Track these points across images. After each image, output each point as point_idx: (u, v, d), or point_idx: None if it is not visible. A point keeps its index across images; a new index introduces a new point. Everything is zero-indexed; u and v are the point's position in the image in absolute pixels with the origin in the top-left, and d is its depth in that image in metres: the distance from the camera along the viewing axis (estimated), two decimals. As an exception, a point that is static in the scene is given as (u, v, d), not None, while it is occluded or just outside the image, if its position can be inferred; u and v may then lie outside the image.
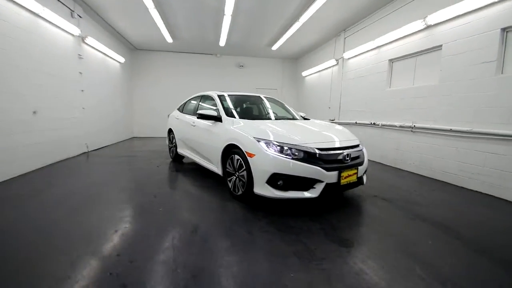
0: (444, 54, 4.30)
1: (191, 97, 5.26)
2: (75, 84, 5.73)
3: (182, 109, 5.35)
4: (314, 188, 2.71)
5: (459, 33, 4.02)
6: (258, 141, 2.83)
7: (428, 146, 4.60)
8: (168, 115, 6.01)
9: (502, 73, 3.53)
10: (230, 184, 3.28)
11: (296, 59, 11.00)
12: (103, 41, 6.94)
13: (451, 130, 4.14)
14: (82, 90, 6.01)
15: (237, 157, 3.09)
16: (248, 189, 2.93)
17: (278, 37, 7.89)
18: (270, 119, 3.95)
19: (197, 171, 4.64)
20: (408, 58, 5.18)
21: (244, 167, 2.95)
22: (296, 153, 2.70)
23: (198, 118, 3.91)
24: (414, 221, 2.72)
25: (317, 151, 2.73)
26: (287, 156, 2.68)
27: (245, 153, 2.91)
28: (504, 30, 3.46)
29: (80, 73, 5.91)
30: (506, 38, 3.48)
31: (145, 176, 4.24)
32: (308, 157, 2.71)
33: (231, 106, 3.94)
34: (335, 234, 2.38)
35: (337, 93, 7.69)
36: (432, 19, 4.39)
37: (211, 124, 3.81)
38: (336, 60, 7.70)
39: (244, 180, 2.98)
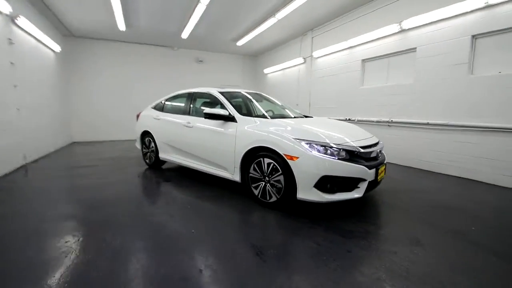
0: (418, 56, 4.83)
1: (174, 94, 4.60)
2: (5, 77, 4.33)
3: (162, 108, 4.63)
4: (359, 187, 2.65)
5: (433, 37, 4.56)
6: (300, 142, 2.61)
7: (405, 139, 5.12)
8: (138, 115, 5.15)
9: (472, 74, 4.15)
10: (256, 191, 2.96)
11: (256, 56, 10.91)
12: (36, 24, 5.45)
13: (428, 124, 4.69)
14: (15, 86, 4.59)
15: (268, 160, 2.80)
16: (286, 195, 2.68)
17: (247, 32, 7.62)
18: (281, 117, 3.71)
19: (190, 179, 4.09)
20: (381, 59, 5.65)
21: (281, 171, 2.68)
22: (341, 153, 2.59)
23: (205, 117, 3.41)
24: (432, 206, 2.95)
25: (360, 149, 2.67)
26: (332, 157, 2.54)
27: (283, 156, 2.64)
28: (474, 37, 4.06)
29: (12, 63, 4.49)
30: (475, 44, 4.09)
31: (131, 193, 3.48)
32: (350, 156, 2.63)
33: (241, 104, 3.58)
34: (395, 232, 2.37)
35: (306, 91, 7.92)
36: (407, 23, 4.86)
37: (219, 125, 3.38)
38: (304, 59, 7.90)
39: (281, 186, 2.71)
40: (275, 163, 2.73)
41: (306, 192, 2.55)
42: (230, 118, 3.29)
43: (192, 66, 9.92)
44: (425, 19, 4.57)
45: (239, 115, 3.29)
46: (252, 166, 2.96)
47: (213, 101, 3.85)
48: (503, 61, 3.78)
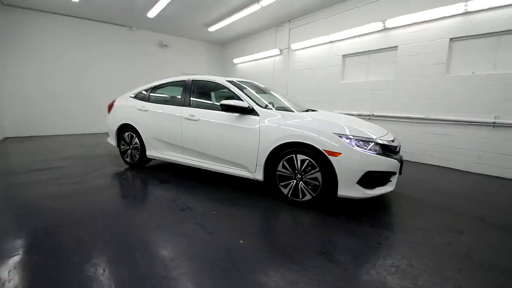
0: (399, 54, 5.18)
1: (163, 82, 3.97)
2: None
3: (148, 97, 3.97)
4: (391, 181, 2.69)
5: (415, 37, 4.93)
6: (340, 137, 2.50)
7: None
8: (110, 106, 4.36)
9: (448, 73, 4.63)
10: (286, 190, 2.77)
11: (224, 44, 10.37)
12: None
13: (408, 118, 5.12)
14: None
15: (301, 157, 2.62)
16: (323, 192, 2.56)
17: (224, 17, 7.12)
18: (292, 111, 3.49)
19: (189, 178, 3.64)
20: (362, 55, 5.91)
21: (318, 168, 2.55)
22: (377, 148, 2.58)
23: (223, 110, 3.01)
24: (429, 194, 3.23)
25: (392, 143, 2.70)
26: (372, 152, 2.51)
27: (323, 151, 2.50)
28: (451, 39, 4.52)
29: None
30: (452, 46, 4.56)
31: (128, 202, 2.91)
32: (383, 150, 2.64)
33: (256, 95, 3.27)
34: (431, 222, 2.48)
35: (282, 83, 7.87)
36: (391, 22, 5.15)
37: (235, 119, 3.04)
38: (280, 50, 7.81)
39: (318, 183, 2.57)
40: (311, 160, 2.58)
41: (348, 189, 2.48)
42: (248, 111, 2.98)
43: (155, 50, 8.89)
44: (408, 19, 4.90)
45: (259, 107, 3.00)
46: (281, 163, 2.74)
47: (222, 92, 3.45)
48: (476, 63, 4.31)
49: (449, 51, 4.56)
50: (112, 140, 4.37)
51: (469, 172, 4.39)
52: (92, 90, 7.89)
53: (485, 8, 4.05)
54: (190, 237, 2.07)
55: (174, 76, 9.53)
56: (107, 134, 4.57)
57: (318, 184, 2.58)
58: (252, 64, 9.14)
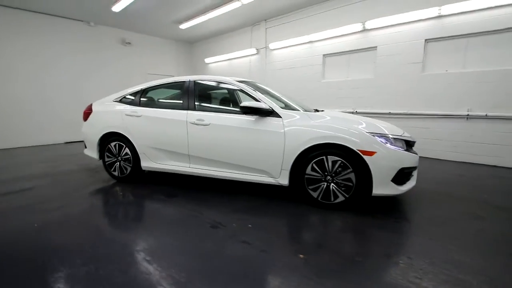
0: (379, 54, 5.50)
1: (156, 83, 3.53)
2: None
3: (138, 101, 3.48)
4: (413, 175, 2.79)
5: (393, 38, 5.27)
6: (373, 136, 2.49)
7: (368, 127, 5.81)
8: (88, 113, 3.74)
9: (424, 71, 5.06)
10: (316, 193, 2.67)
11: (192, 43, 9.85)
12: None
13: (390, 113, 5.47)
14: None
15: (333, 158, 2.55)
16: (357, 193, 2.53)
17: (197, 15, 6.71)
18: (309, 110, 3.36)
19: (196, 189, 3.31)
20: (342, 55, 6.13)
21: (351, 169, 2.51)
22: (403, 144, 2.64)
23: (243, 112, 2.76)
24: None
25: (412, 139, 2.80)
26: (401, 148, 2.57)
27: (358, 151, 2.46)
28: (426, 40, 4.94)
29: None
30: (427, 47, 4.99)
31: (143, 227, 2.51)
32: (406, 146, 2.72)
33: (275, 94, 3.11)
34: (455, 210, 2.64)
35: (260, 83, 7.75)
36: (370, 24, 5.42)
37: (254, 122, 2.83)
38: (257, 50, 7.70)
39: (351, 184, 2.53)
40: (343, 160, 2.53)
41: (383, 187, 2.48)
42: (269, 113, 2.80)
43: (117, 48, 7.99)
44: (386, 21, 5.22)
45: (280, 109, 2.84)
46: (310, 166, 2.64)
47: (231, 93, 3.20)
48: (449, 62, 4.78)
49: (425, 51, 4.98)
50: (92, 152, 3.75)
51: (447, 160, 4.87)
52: (51, 94, 6.80)
53: (456, 12, 4.51)
54: (248, 261, 1.81)
55: (140, 77, 8.86)
56: (84, 145, 3.91)
57: (351, 184, 2.54)
58: (225, 64, 8.84)
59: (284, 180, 2.78)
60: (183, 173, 3.25)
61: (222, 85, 3.29)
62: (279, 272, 1.69)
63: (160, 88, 3.54)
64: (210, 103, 3.29)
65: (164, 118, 3.22)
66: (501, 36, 4.26)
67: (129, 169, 3.50)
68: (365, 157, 2.45)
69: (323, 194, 2.65)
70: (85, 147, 3.90)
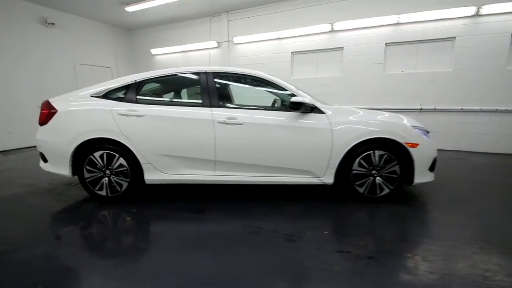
0: (345, 54, 5.95)
1: (161, 73, 2.83)
2: None
3: (135, 97, 2.72)
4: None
5: (358, 40, 5.78)
6: (415, 128, 2.65)
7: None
8: (47, 112, 2.75)
9: (384, 71, 5.75)
10: (362, 189, 2.68)
11: (132, 30, 8.45)
12: None
13: (357, 108, 6.01)
14: None
15: (379, 152, 2.60)
16: (400, 184, 2.67)
17: (155, -3, 5.76)
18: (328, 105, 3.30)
19: (218, 200, 2.87)
20: (311, 53, 6.36)
21: (396, 161, 2.61)
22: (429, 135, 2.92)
23: (292, 108, 2.47)
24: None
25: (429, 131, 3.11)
26: (430, 139, 2.82)
27: (404, 144, 2.57)
28: (386, 44, 5.62)
29: None
30: (386, 50, 5.67)
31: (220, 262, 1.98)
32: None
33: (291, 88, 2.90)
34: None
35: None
36: (338, 25, 5.80)
37: (295, 118, 2.62)
38: (218, 43, 7.21)
39: (395, 176, 2.64)
40: (389, 154, 2.60)
41: (422, 176, 2.68)
42: (311, 109, 2.63)
43: (35, 29, 6.09)
44: (353, 24, 5.68)
45: (322, 104, 2.71)
46: (357, 161, 2.62)
47: (257, 87, 2.84)
48: (404, 64, 5.58)
49: (385, 53, 5.67)
50: (58, 167, 2.74)
51: (407, 148, 5.71)
52: None
53: (411, 21, 5.27)
54: (372, 274, 1.63)
55: (68, 66, 7.32)
56: (41, 158, 2.83)
57: (395, 176, 2.65)
58: (179, 57, 7.96)
59: (329, 179, 2.67)
60: (205, 182, 2.73)
61: (246, 78, 2.89)
62: (421, 278, 1.59)
63: (163, 80, 2.87)
64: (237, 99, 2.86)
65: (181, 118, 2.62)
66: (443, 43, 5.22)
67: (125, 185, 2.71)
68: (410, 149, 2.59)
69: (369, 189, 2.68)
70: (44, 161, 2.82)
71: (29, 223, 2.36)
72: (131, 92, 2.75)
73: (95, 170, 2.70)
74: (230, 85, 2.96)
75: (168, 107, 2.70)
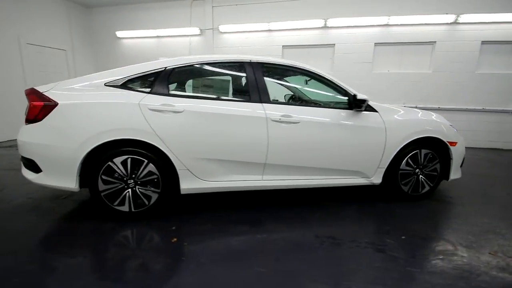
0: (337, 51, 6.03)
1: (194, 61, 2.34)
2: None
3: (167, 89, 2.20)
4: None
5: (349, 38, 5.90)
6: (452, 127, 2.75)
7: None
8: (41, 106, 2.08)
9: (373, 70, 6.01)
10: (406, 188, 2.69)
11: (90, 8, 7.13)
12: None
13: (346, 105, 6.18)
14: None
15: (425, 151, 2.65)
16: (438, 181, 2.77)
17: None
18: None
19: (262, 208, 2.58)
20: (302, 48, 6.26)
21: (437, 159, 2.69)
22: None
23: (357, 106, 2.29)
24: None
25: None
26: (461, 137, 2.99)
27: (447, 143, 2.65)
28: (375, 44, 5.85)
29: None
30: (375, 49, 5.91)
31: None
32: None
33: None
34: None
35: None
36: (331, 22, 5.81)
37: (347, 116, 2.51)
38: (201, 30, 6.58)
39: (436, 173, 2.73)
40: (433, 152, 2.66)
41: (456, 173, 2.83)
42: (366, 107, 2.53)
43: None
44: (345, 22, 5.76)
45: (372, 102, 2.61)
46: (405, 161, 2.61)
47: (304, 81, 2.58)
48: (390, 64, 5.91)
49: (374, 53, 5.91)
50: (61, 178, 2.08)
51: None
52: None
53: (399, 24, 5.58)
54: None
55: (10, 45, 6.32)
56: (27, 166, 2.11)
57: (435, 174, 2.73)
58: (151, 42, 7.03)
59: (378, 179, 2.62)
60: (251, 189, 2.41)
61: (294, 71, 2.62)
62: None
63: (196, 69, 2.39)
64: (287, 94, 2.55)
65: (228, 115, 2.21)
66: (425, 47, 5.68)
67: (154, 197, 2.20)
68: (451, 147, 2.69)
69: (413, 187, 2.71)
70: (34, 171, 2.10)
71: (20, 267, 1.72)
72: (161, 82, 2.21)
73: (114, 181, 2.12)
74: (276, 78, 2.65)
75: (211, 102, 2.26)
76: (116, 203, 2.16)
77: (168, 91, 2.23)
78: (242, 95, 2.40)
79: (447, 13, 5.29)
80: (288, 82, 2.86)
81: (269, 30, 6.27)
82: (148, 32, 6.86)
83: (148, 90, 2.19)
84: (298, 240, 2.01)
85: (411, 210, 2.58)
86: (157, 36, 6.95)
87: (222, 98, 2.41)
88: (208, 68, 2.45)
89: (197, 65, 2.38)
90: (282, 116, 2.31)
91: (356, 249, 1.88)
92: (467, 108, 5.64)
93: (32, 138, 2.07)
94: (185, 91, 2.35)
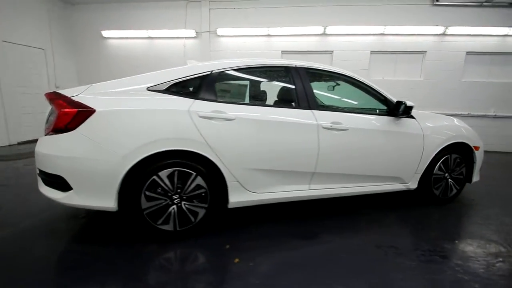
0: (335, 58, 6.18)
1: (239, 65, 2.20)
2: None
3: (214, 94, 2.04)
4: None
5: (347, 46, 6.07)
6: (474, 132, 2.89)
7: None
8: (73, 113, 1.82)
9: (369, 77, 6.22)
10: (437, 192, 2.77)
11: (72, 4, 6.54)
12: None
13: (344, 110, 6.33)
14: None
15: (454, 156, 2.75)
16: (463, 184, 2.89)
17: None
18: None
19: (309, 217, 2.48)
20: (300, 54, 6.31)
21: (464, 164, 2.81)
22: None
23: (404, 113, 2.29)
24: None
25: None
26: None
27: (472, 148, 2.78)
28: (371, 52, 6.08)
29: None
30: (371, 57, 6.14)
31: None
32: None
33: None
34: None
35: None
36: (330, 30, 5.94)
37: (391, 124, 2.52)
38: (197, 33, 6.35)
39: (461, 177, 2.84)
40: (460, 157, 2.77)
41: (476, 176, 2.97)
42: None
43: None
44: (344, 30, 5.93)
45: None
46: (438, 165, 2.69)
47: (346, 87, 2.56)
48: (385, 71, 6.18)
49: (370, 60, 6.15)
50: (97, 197, 1.80)
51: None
52: None
53: (394, 33, 5.87)
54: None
55: None
56: (51, 185, 1.81)
57: (461, 177, 2.85)
58: (142, 43, 6.63)
59: (414, 184, 2.67)
60: (297, 199, 2.30)
61: (338, 77, 2.62)
62: None
63: (243, 72, 2.24)
64: (333, 100, 2.50)
65: (281, 122, 2.09)
66: (417, 55, 6.03)
67: (201, 213, 2.00)
68: (476, 152, 2.82)
69: (443, 191, 2.79)
70: (62, 189, 1.79)
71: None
72: (207, 87, 2.03)
73: (159, 197, 1.88)
74: (321, 83, 2.60)
75: (262, 108, 2.13)
76: (159, 221, 1.92)
77: (216, 97, 2.05)
78: (290, 101, 2.30)
79: (437, 25, 5.68)
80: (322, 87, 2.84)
81: (268, 35, 6.25)
82: (139, 33, 6.47)
83: (194, 95, 2.00)
84: (359, 251, 1.94)
85: (446, 213, 2.65)
86: (149, 37, 6.57)
87: (272, 104, 2.29)
88: (253, 72, 2.32)
89: (242, 69, 2.24)
90: (332, 123, 2.25)
91: (425, 258, 1.86)
92: (455, 113, 6.05)
93: (61, 151, 1.77)
94: (232, 97, 2.20)
